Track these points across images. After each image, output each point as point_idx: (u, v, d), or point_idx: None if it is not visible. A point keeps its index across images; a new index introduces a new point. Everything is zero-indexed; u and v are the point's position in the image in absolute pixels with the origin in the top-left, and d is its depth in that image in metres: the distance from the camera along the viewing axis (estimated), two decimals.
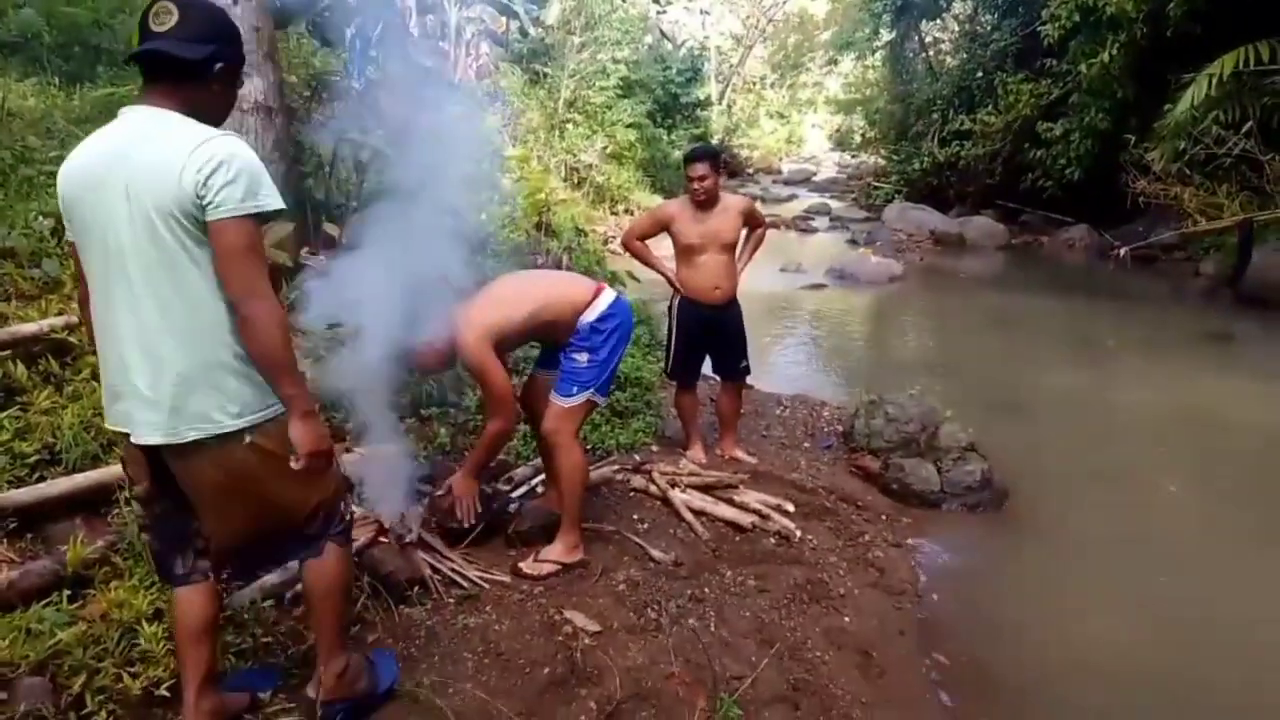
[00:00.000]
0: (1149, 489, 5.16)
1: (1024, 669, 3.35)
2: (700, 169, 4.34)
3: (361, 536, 3.11)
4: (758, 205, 4.94)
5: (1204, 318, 9.86)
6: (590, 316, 3.29)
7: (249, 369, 1.95)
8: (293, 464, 1.97)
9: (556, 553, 3.33)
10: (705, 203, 4.40)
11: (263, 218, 1.91)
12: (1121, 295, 11.09)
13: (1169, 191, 12.01)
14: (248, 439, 1.98)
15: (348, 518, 2.33)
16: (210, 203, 1.84)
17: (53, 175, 4.59)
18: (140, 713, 2.25)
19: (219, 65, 1.98)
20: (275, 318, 1.89)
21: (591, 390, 3.31)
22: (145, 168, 1.86)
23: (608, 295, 3.37)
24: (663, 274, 4.65)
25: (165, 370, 1.93)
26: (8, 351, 3.23)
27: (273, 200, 1.90)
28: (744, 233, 4.63)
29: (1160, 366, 7.94)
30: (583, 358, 3.29)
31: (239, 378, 1.95)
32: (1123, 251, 12.41)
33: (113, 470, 2.92)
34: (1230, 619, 3.70)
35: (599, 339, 3.29)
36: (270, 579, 2.85)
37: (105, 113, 1.56)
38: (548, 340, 3.48)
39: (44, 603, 2.50)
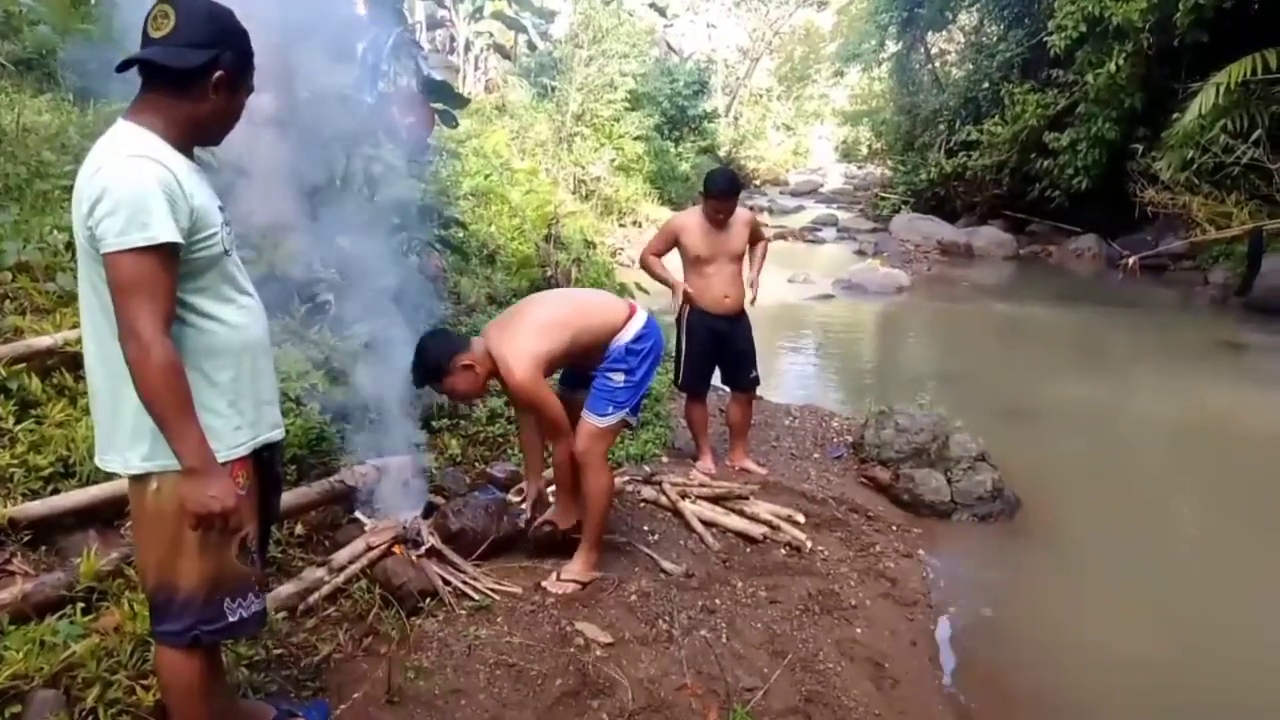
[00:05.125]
0: (1161, 498, 5.14)
1: (1037, 680, 3.33)
2: (731, 204, 4.42)
3: (376, 547, 3.13)
4: (764, 216, 4.98)
5: (1214, 326, 9.83)
6: (625, 338, 3.25)
7: None
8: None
9: (576, 570, 3.32)
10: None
11: (159, 250, 1.73)
12: (1130, 304, 11.07)
13: (1177, 200, 12.04)
14: (154, 484, 1.89)
15: (195, 629, 1.94)
16: (96, 236, 1.73)
17: (67, 190, 4.65)
18: None
19: (219, 74, 1.84)
20: (150, 363, 1.71)
21: (626, 410, 3.29)
22: (75, 192, 1.80)
23: (641, 316, 3.33)
24: (673, 284, 4.61)
25: (97, 397, 1.91)
26: (23, 365, 3.24)
27: (161, 233, 1.72)
28: (747, 248, 4.65)
29: (1170, 375, 7.92)
30: (619, 377, 3.24)
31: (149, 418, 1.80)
32: (1131, 261, 12.41)
33: (125, 483, 2.92)
34: (1243, 629, 3.68)
35: (635, 360, 3.26)
36: (284, 590, 2.86)
37: None
38: (580, 363, 3.39)
39: (58, 615, 2.50)
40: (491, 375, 3.13)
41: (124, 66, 1.82)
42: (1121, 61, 13.05)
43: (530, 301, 3.46)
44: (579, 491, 3.36)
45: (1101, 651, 3.49)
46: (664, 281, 4.65)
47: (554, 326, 3.18)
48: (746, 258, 4.68)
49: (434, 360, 3.09)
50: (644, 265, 4.67)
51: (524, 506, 3.63)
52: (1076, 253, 15.07)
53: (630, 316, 3.30)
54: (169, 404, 1.75)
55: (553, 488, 3.85)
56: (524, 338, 3.11)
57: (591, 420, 3.25)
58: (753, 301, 4.71)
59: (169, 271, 1.77)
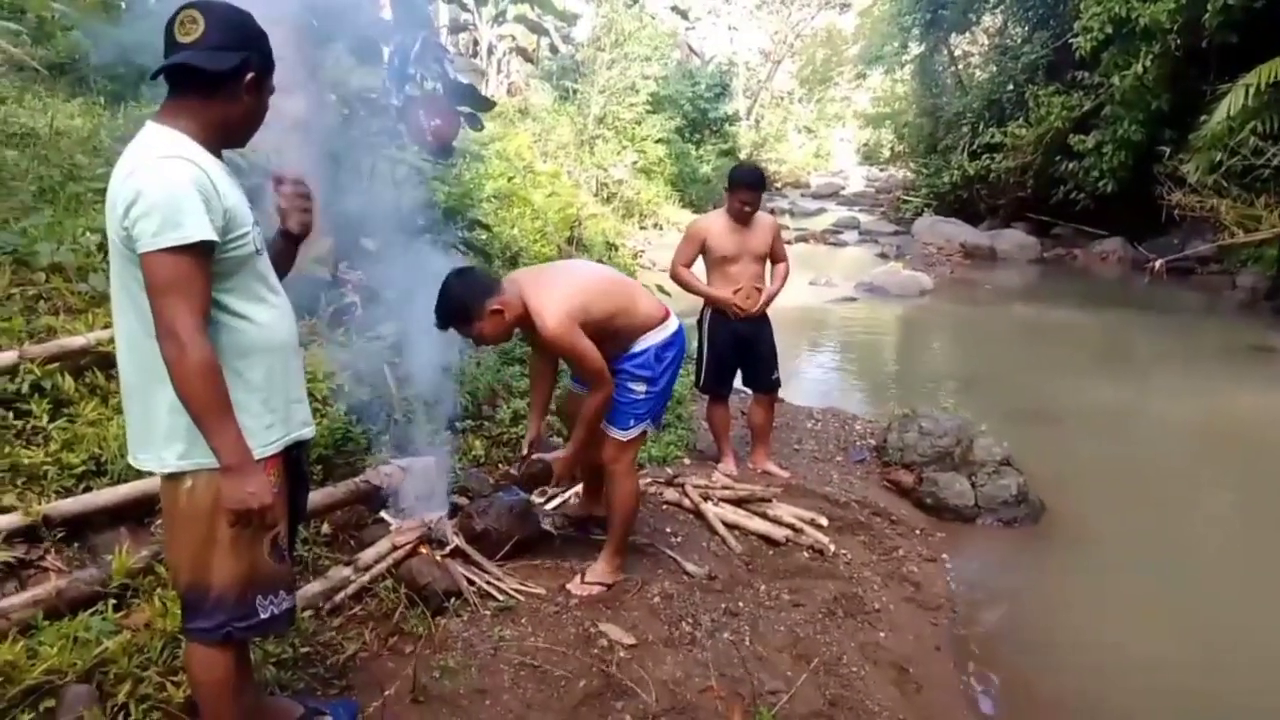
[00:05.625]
0: (1187, 503, 5.08)
1: (1062, 685, 3.30)
2: (757, 196, 4.42)
3: (402, 547, 3.15)
4: (785, 219, 4.95)
5: (1242, 330, 9.71)
6: (657, 339, 3.20)
7: None
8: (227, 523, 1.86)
9: (600, 573, 3.32)
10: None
11: (195, 249, 1.75)
12: (1157, 308, 10.95)
13: (1205, 203, 11.85)
14: (189, 482, 1.91)
15: (228, 626, 1.97)
16: (132, 236, 1.75)
17: (99, 192, 4.73)
18: None
19: (249, 75, 1.87)
20: (189, 362, 1.74)
21: (648, 421, 3.28)
22: (109, 194, 1.82)
23: (674, 321, 3.28)
24: (712, 297, 4.55)
25: (131, 397, 1.93)
26: (56, 364, 3.29)
27: (196, 232, 1.74)
28: (768, 265, 4.63)
29: (1197, 379, 7.83)
30: (640, 388, 3.19)
31: (186, 416, 1.82)
32: (1158, 264, 12.24)
33: (156, 481, 2.96)
34: (1270, 632, 3.64)
35: (660, 367, 3.21)
36: (311, 588, 2.88)
37: None
38: (602, 345, 3.25)
39: (90, 611, 2.54)
40: (518, 322, 3.01)
41: (159, 72, 1.84)
42: (1148, 63, 12.89)
43: (576, 263, 3.39)
44: (596, 439, 3.25)
45: (1127, 656, 3.46)
46: (702, 294, 4.58)
47: (597, 292, 3.09)
48: (768, 267, 4.65)
49: (462, 302, 2.93)
50: (677, 279, 4.59)
51: (547, 509, 3.64)
52: (1102, 256, 14.91)
53: (664, 319, 3.26)
54: (207, 402, 1.78)
55: (576, 489, 3.87)
56: (564, 290, 3.00)
57: (614, 434, 3.23)
58: (759, 308, 4.60)
59: (204, 270, 1.79)
